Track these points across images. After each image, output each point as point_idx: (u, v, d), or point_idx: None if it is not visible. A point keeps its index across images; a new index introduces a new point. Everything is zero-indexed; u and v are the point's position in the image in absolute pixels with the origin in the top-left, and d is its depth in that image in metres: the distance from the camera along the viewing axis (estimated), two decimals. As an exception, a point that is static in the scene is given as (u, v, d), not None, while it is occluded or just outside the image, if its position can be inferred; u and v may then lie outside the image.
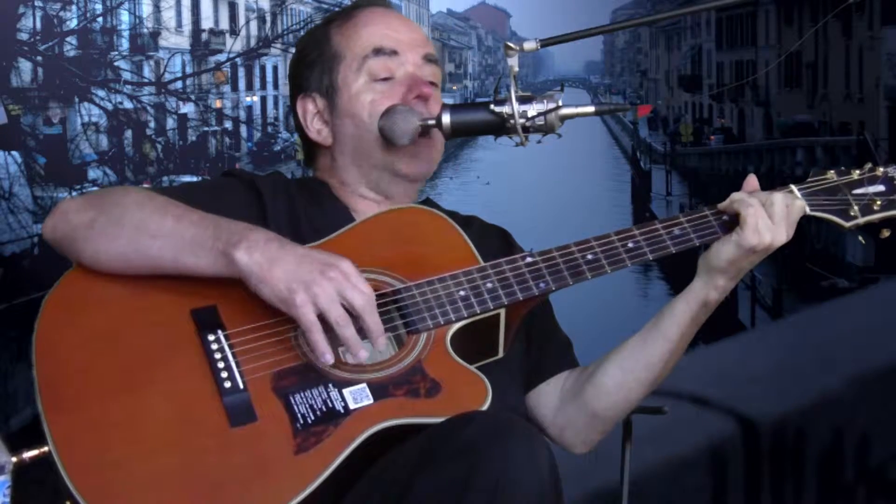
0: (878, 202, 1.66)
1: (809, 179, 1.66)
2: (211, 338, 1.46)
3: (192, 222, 1.50)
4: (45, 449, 1.36)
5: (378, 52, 1.72)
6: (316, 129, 1.77)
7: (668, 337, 1.66)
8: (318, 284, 1.41)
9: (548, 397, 1.76)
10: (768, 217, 1.57)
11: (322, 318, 1.41)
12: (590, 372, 1.72)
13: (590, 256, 1.59)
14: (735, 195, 1.61)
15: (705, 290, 1.63)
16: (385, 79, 1.72)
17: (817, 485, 3.31)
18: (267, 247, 1.44)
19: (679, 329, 1.65)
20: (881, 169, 1.69)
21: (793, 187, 1.65)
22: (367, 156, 1.72)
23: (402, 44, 1.74)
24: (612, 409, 1.71)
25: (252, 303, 1.47)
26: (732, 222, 1.61)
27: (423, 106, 1.70)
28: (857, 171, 1.69)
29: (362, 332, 1.43)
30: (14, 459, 1.31)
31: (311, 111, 1.77)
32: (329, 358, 1.42)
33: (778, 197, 1.59)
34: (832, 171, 1.68)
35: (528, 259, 1.59)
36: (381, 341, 1.44)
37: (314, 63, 1.76)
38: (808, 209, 1.64)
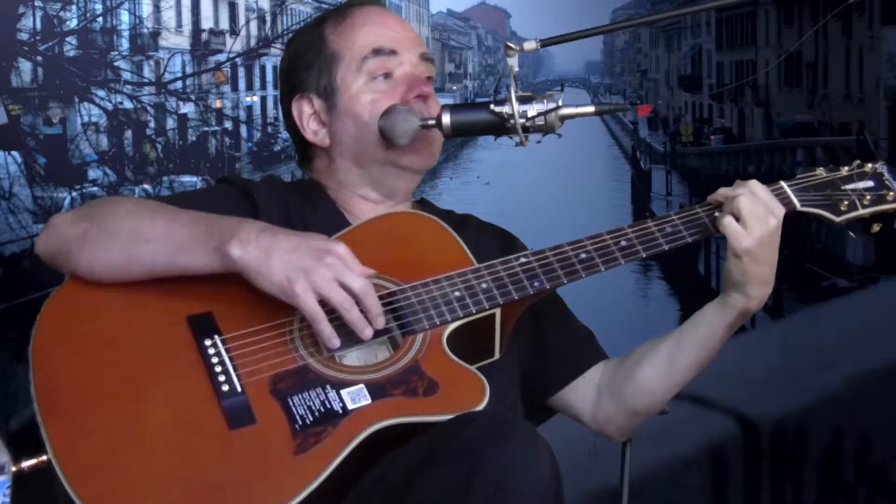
0: (868, 197, 1.68)
1: (799, 176, 1.68)
2: (207, 343, 1.46)
3: (183, 223, 1.50)
4: (44, 458, 1.35)
5: (377, 52, 1.72)
6: (312, 130, 1.76)
7: (706, 345, 1.69)
8: (316, 272, 1.42)
9: (585, 392, 1.78)
10: (747, 221, 1.57)
11: (322, 304, 1.42)
12: (627, 370, 1.75)
13: (583, 255, 1.60)
14: (722, 193, 1.61)
15: (742, 302, 1.63)
16: (385, 78, 1.72)
17: (817, 485, 3.30)
18: (260, 238, 1.45)
19: (717, 338, 1.68)
20: (870, 165, 1.71)
21: (783, 184, 1.66)
22: (369, 155, 1.72)
23: (400, 43, 1.74)
24: (651, 407, 1.76)
25: (248, 307, 1.47)
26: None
27: (422, 104, 1.71)
28: (847, 168, 1.71)
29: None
30: (14, 469, 1.31)
31: (307, 112, 1.76)
32: (336, 342, 1.44)
33: (744, 202, 1.57)
34: (821, 168, 1.71)
35: (522, 259, 1.59)
36: (379, 320, 1.46)
37: (310, 64, 1.75)
38: (798, 205, 1.65)
